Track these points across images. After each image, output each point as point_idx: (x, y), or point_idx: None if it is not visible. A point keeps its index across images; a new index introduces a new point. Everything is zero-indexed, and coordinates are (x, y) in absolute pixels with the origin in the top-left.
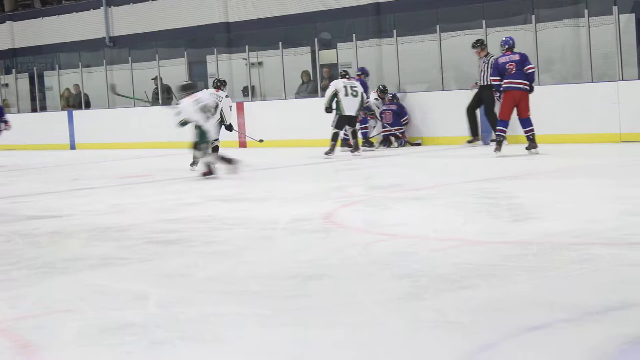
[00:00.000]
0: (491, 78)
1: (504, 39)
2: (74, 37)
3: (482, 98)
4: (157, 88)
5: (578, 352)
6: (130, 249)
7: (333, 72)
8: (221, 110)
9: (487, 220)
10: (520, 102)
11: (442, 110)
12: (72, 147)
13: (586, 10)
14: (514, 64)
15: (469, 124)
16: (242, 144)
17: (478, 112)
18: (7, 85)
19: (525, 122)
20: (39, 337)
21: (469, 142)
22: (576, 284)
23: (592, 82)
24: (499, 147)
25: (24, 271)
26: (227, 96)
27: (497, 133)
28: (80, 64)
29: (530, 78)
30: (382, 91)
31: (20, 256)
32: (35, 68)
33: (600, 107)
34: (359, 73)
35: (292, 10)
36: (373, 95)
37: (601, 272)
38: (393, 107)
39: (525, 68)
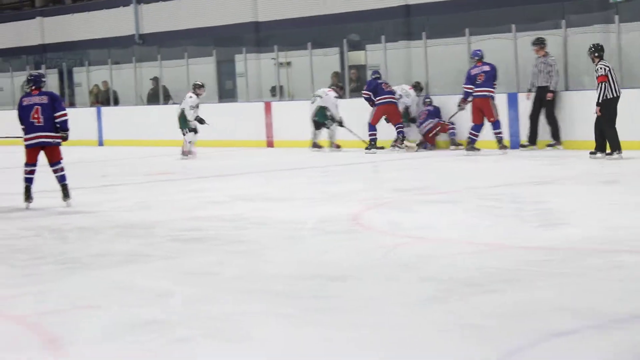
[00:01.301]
0: (465, 86)
1: (474, 50)
2: (103, 33)
3: (542, 100)
4: (152, 89)
5: (603, 358)
6: (155, 246)
7: (360, 73)
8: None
9: (513, 225)
10: (483, 107)
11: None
12: (100, 143)
13: (616, 16)
14: (483, 74)
15: (531, 129)
16: (270, 144)
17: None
18: None
19: (493, 125)
20: (64, 331)
21: (522, 146)
22: (602, 290)
23: (622, 87)
24: (471, 148)
25: (51, 266)
26: (190, 97)
27: (469, 136)
28: (109, 60)
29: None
30: (417, 88)
31: (48, 251)
32: (64, 64)
33: (629, 112)
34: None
35: (321, 11)
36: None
37: (628, 279)
38: (430, 108)
39: (494, 83)
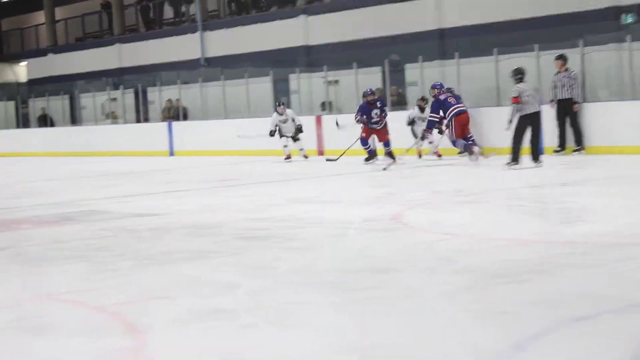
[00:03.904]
0: (435, 115)
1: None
2: (173, 57)
3: (567, 110)
4: (166, 109)
5: (620, 340)
6: (221, 244)
7: (400, 89)
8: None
9: (539, 222)
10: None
11: (498, 124)
12: (171, 153)
13: (628, 36)
14: (453, 97)
15: (560, 137)
16: (320, 153)
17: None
18: (115, 99)
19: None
20: (142, 319)
21: (555, 151)
22: (619, 279)
23: (634, 99)
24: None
25: (129, 262)
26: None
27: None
28: (178, 81)
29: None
30: (423, 99)
31: (126, 249)
32: (139, 85)
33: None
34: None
35: (365, 35)
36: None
37: None
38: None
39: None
